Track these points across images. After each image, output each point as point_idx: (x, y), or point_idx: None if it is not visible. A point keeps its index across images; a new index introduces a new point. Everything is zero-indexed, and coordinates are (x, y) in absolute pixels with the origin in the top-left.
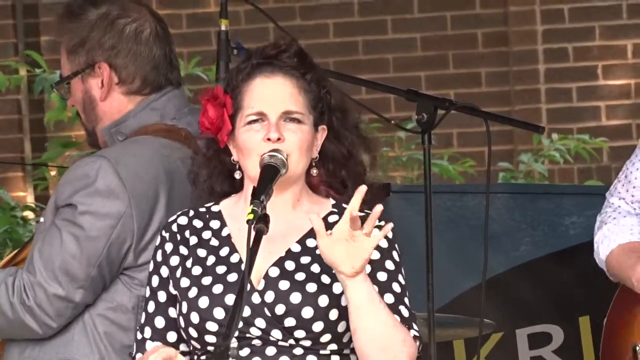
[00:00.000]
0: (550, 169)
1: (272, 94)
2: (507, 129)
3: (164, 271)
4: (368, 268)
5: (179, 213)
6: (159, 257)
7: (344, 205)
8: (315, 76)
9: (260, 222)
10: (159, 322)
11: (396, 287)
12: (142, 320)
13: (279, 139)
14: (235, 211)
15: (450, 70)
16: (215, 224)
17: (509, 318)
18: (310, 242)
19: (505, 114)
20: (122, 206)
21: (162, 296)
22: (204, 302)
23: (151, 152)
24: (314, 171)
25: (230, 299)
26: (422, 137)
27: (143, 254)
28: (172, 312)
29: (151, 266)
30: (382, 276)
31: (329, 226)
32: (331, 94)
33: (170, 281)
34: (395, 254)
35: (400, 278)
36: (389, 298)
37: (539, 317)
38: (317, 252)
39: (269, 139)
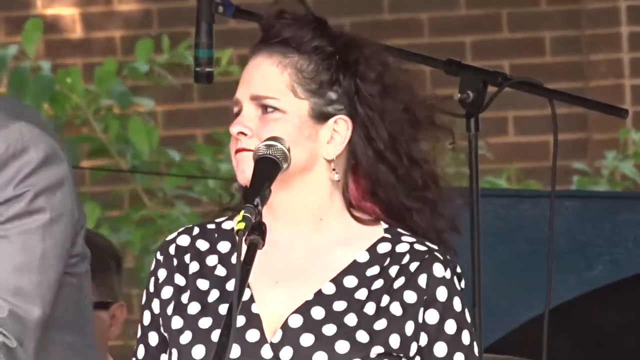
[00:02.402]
0: (638, 165)
1: (247, 78)
2: (579, 112)
3: (155, 306)
4: (424, 339)
5: (180, 230)
6: (151, 287)
7: (400, 230)
8: (323, 44)
9: (254, 233)
10: None
11: None
12: None
13: (243, 134)
14: None
15: (503, 34)
16: (224, 246)
17: (581, 357)
18: (349, 282)
19: (577, 93)
20: (64, 166)
21: (153, 338)
22: (198, 351)
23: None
24: (335, 176)
25: (235, 351)
26: (467, 122)
27: (79, 216)
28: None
29: (143, 298)
30: (440, 350)
31: (377, 258)
32: (357, 67)
33: (160, 319)
34: (464, 319)
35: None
36: None
37: (623, 355)
38: (357, 296)
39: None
